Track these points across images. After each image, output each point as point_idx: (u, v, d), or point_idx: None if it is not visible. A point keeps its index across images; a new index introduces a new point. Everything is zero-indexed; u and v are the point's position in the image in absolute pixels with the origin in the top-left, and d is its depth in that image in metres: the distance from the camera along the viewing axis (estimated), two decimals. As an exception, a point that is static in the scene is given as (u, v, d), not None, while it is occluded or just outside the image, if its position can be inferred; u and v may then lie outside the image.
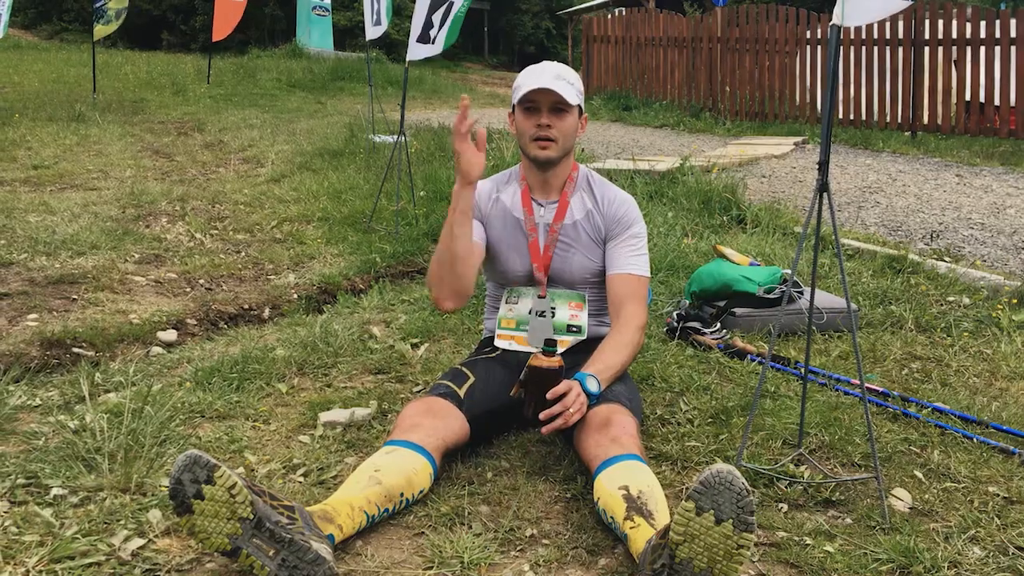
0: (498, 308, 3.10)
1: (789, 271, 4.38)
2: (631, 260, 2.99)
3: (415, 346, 3.95)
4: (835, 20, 2.52)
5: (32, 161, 10.10)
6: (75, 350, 4.30)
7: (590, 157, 9.40)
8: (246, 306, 5.15)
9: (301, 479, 2.66)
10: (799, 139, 11.20)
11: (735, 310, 4.08)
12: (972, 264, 5.33)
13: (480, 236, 3.02)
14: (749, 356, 3.64)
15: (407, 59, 6.72)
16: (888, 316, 4.30)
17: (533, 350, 2.76)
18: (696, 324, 3.95)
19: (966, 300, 4.59)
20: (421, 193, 7.53)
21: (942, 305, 4.62)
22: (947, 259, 5.39)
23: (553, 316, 3.03)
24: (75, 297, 4.90)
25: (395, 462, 2.44)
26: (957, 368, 3.68)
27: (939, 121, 11.48)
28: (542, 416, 2.57)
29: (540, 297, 3.04)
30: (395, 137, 12.11)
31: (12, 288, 4.95)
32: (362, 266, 5.93)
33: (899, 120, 11.84)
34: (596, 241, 3.01)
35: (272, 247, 6.40)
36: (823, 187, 2.54)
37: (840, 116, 12.13)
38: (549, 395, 2.56)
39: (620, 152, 10.18)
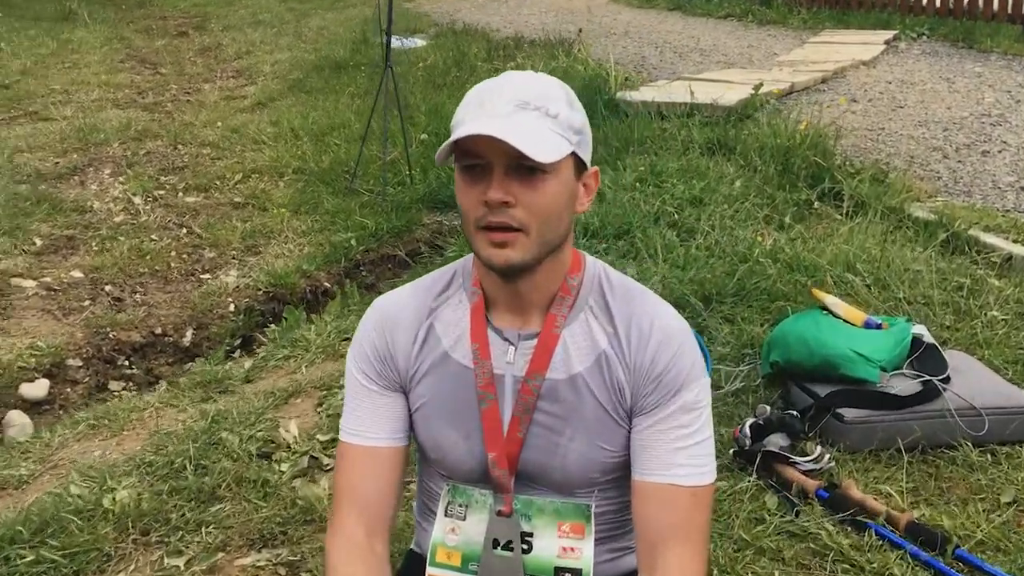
0: (433, 513, 1.70)
1: (922, 329, 2.87)
2: (680, 457, 1.54)
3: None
4: None
5: (-7, 77, 8.77)
6: None
7: (636, 74, 7.67)
8: (158, 330, 3.81)
9: None
10: (889, 35, 9.21)
11: (842, 411, 2.55)
12: None
13: (396, 430, 1.61)
14: (870, 525, 2.20)
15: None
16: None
17: None
18: (781, 441, 2.53)
19: None
20: (423, 136, 6.00)
21: None
22: None
23: (528, 551, 1.60)
24: (-83, 327, 3.61)
25: None
26: None
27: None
28: None
29: (501, 514, 1.62)
30: (415, 39, 10.48)
31: None
32: (331, 252, 4.52)
33: (1008, 9, 9.70)
34: (615, 414, 1.55)
35: (224, 219, 5.00)
36: None
37: (938, 3, 10.05)
38: None
39: (676, 61, 8.41)
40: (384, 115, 5.27)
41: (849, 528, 2.20)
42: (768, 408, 2.56)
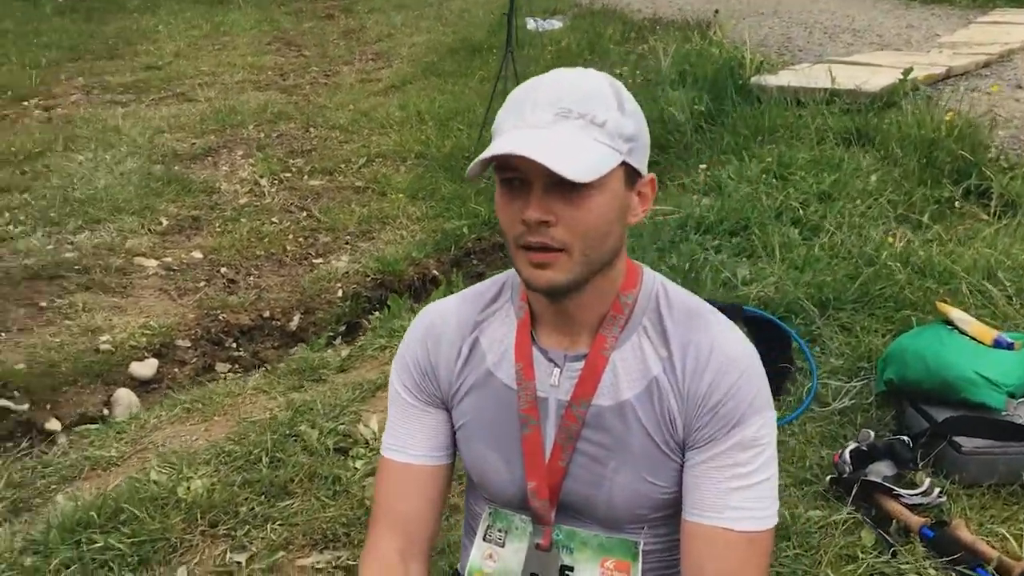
0: (476, 535, 1.61)
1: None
2: (733, 499, 1.38)
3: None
4: None
5: (148, 59, 9.22)
6: (2, 403, 3.20)
7: (778, 57, 7.27)
8: (267, 314, 3.87)
9: None
10: (1073, 15, 8.43)
11: (960, 439, 2.28)
12: None
13: (437, 447, 1.52)
14: (980, 573, 1.94)
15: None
16: None
17: None
18: (887, 471, 2.29)
19: None
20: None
21: None
22: None
23: (568, 587, 1.49)
24: (44, 304, 3.78)
25: None
26: None
27: None
28: None
29: (540, 548, 1.51)
30: (552, 21, 10.35)
31: (-22, 289, 3.89)
32: (443, 239, 4.49)
33: None
34: (665, 447, 1.40)
35: (343, 203, 5.05)
36: None
37: None
38: None
39: (825, 42, 7.94)
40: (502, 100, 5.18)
41: (953, 574, 1.96)
42: (872, 434, 2.32)
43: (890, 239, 3.56)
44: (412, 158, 5.66)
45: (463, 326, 1.49)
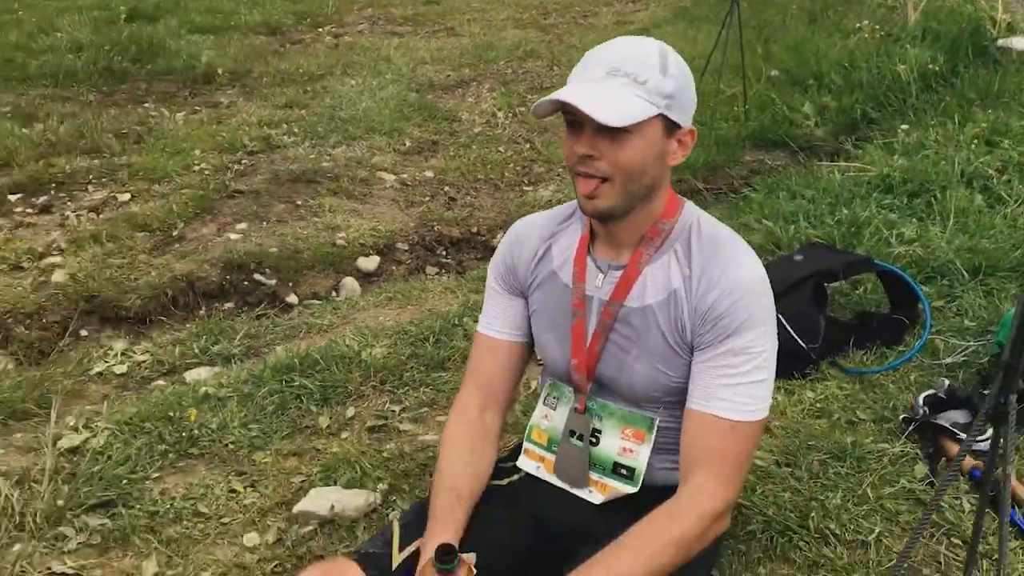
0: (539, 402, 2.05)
1: None
2: (722, 392, 1.72)
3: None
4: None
5: (431, -8, 10.05)
6: (256, 277, 4.00)
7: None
8: (475, 230, 4.44)
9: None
10: None
11: None
12: None
13: (516, 327, 1.97)
14: (1011, 513, 2.10)
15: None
16: None
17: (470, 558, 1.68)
18: (960, 419, 2.44)
19: None
20: (773, 72, 5.99)
21: None
22: None
23: (595, 444, 1.90)
24: (299, 203, 4.57)
25: None
26: None
27: None
28: None
29: (577, 411, 1.92)
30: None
31: (253, 184, 4.75)
32: (644, 179, 4.83)
33: None
34: (675, 345, 1.76)
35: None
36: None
37: None
38: None
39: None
40: (724, 49, 5.38)
41: (988, 511, 2.15)
42: (947, 383, 2.49)
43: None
44: (639, 101, 5.97)
45: (541, 236, 1.92)
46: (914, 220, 3.62)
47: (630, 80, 1.59)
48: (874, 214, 3.63)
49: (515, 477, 1.98)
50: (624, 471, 1.85)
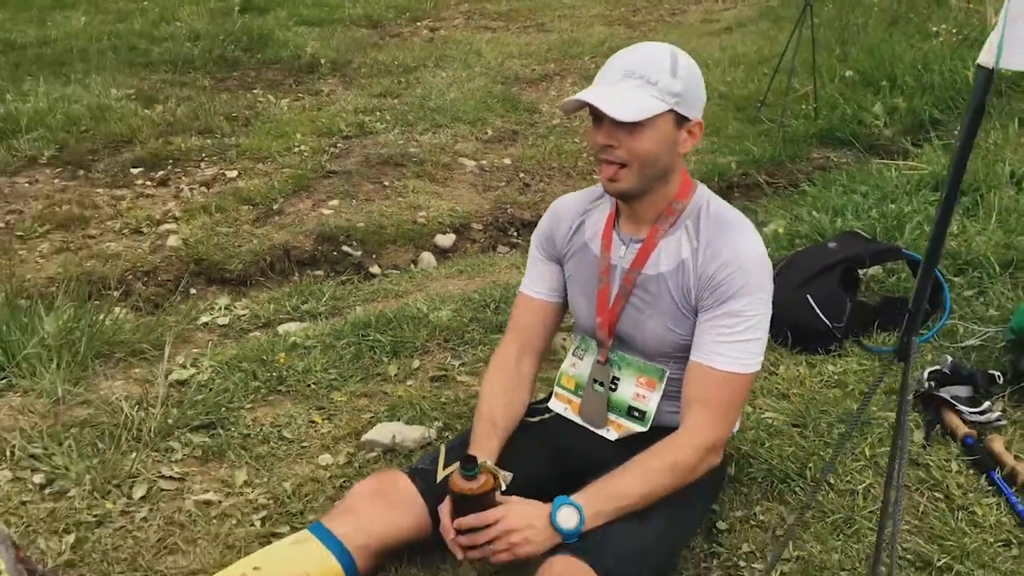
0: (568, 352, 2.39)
1: None
2: (718, 348, 2.03)
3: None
4: (982, 60, 1.28)
5: (525, -11, 10.41)
6: (344, 248, 4.43)
7: None
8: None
9: (259, 524, 2.34)
10: None
11: None
12: None
13: (552, 289, 2.32)
14: (990, 474, 2.34)
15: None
16: None
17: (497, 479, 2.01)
18: (962, 392, 2.66)
19: None
20: (847, 72, 6.16)
21: None
22: None
23: (613, 390, 2.23)
24: (386, 184, 5.00)
25: (288, 560, 2.04)
26: None
27: None
28: (461, 541, 1.94)
29: (599, 362, 2.26)
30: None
31: (347, 165, 5.21)
32: (709, 171, 5.11)
33: None
34: (683, 307, 2.08)
35: (638, 131, 5.79)
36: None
37: None
38: (473, 521, 1.91)
39: None
40: (796, 50, 5.58)
41: (971, 472, 2.39)
42: (949, 359, 2.72)
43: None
44: (714, 97, 6.23)
45: (576, 212, 2.27)
46: (957, 216, 3.80)
47: (643, 81, 1.92)
48: (918, 209, 3.83)
49: (546, 416, 2.35)
50: (637, 413, 2.19)
